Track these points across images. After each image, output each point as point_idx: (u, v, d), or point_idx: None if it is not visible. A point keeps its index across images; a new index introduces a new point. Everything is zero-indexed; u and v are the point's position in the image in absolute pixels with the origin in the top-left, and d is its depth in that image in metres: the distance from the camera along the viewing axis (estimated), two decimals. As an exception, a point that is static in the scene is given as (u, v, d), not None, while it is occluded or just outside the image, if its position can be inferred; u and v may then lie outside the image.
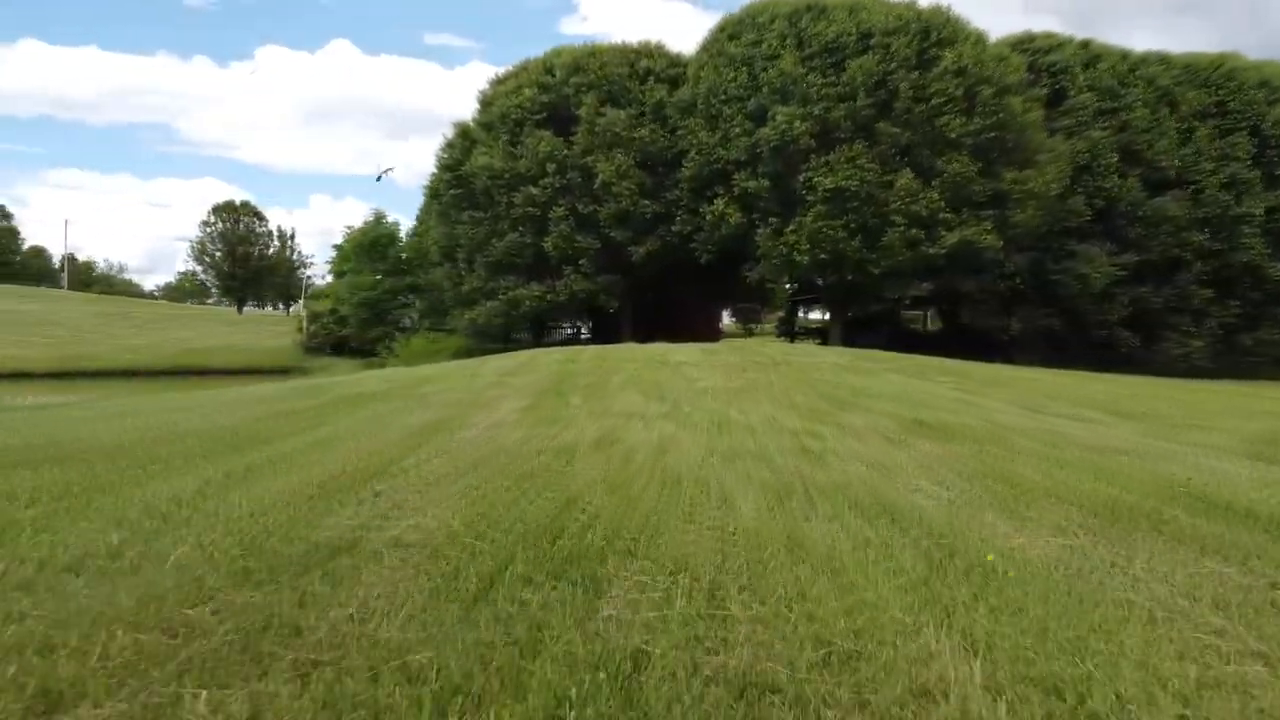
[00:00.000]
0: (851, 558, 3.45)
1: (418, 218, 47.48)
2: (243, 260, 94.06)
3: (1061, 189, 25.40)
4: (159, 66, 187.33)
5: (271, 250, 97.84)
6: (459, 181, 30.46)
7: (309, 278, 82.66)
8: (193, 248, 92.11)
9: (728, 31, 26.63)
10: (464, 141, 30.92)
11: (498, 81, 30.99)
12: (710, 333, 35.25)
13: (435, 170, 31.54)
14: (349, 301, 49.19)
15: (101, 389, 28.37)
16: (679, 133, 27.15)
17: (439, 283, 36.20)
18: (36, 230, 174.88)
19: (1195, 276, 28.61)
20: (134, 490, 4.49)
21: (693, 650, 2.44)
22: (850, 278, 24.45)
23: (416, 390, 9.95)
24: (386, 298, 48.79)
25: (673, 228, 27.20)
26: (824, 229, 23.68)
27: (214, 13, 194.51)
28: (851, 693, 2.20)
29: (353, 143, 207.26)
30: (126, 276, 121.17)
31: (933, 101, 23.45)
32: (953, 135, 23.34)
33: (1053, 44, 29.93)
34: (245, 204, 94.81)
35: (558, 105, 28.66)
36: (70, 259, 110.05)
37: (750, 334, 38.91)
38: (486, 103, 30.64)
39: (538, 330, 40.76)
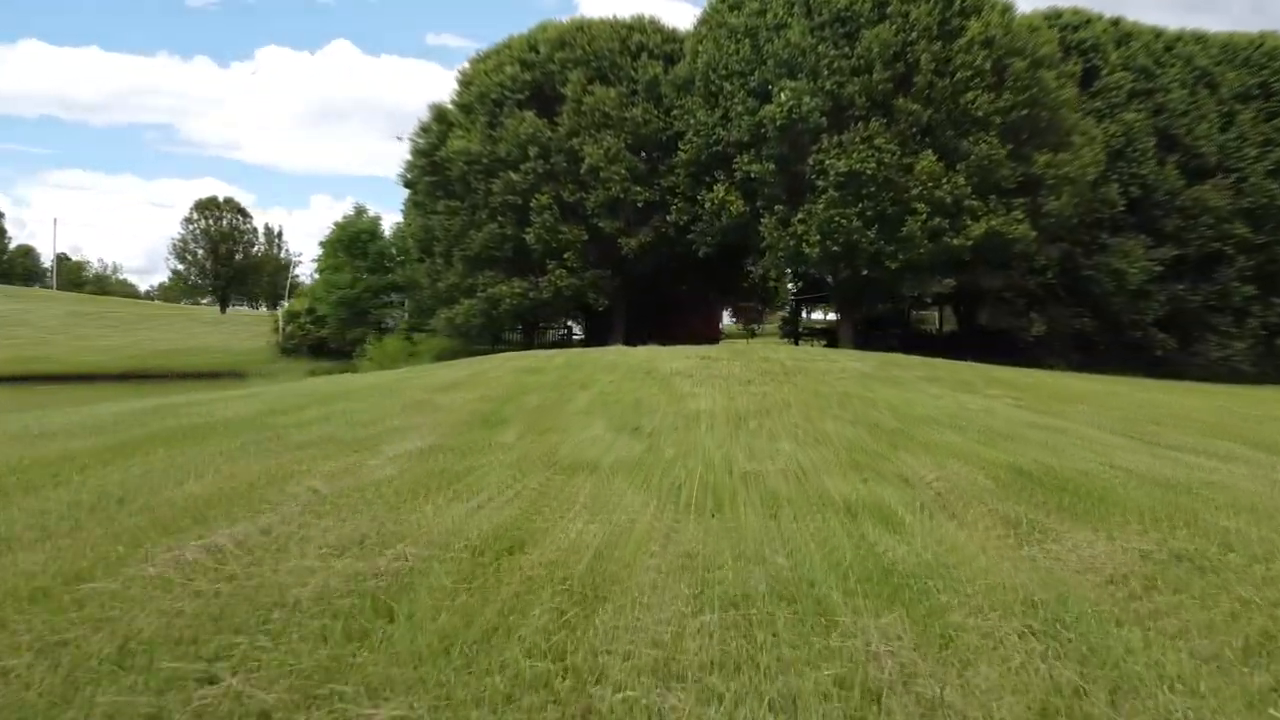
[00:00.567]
0: None
1: (403, 211, 44.97)
2: (226, 258, 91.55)
3: (1098, 174, 22.92)
4: (160, 67, 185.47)
5: (257, 248, 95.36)
6: (434, 168, 27.91)
7: (295, 276, 79.99)
8: (174, 246, 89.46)
9: (729, 1, 24.10)
10: (440, 125, 28.36)
11: (478, 59, 28.44)
12: (709, 334, 32.76)
13: (409, 157, 28.96)
14: (326, 301, 46.53)
15: (34, 395, 25.92)
16: (675, 113, 24.64)
17: (417, 279, 33.65)
18: (39, 230, 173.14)
19: (1237, 272, 26.30)
20: None
21: None
22: (865, 272, 21.94)
23: (296, 416, 7.27)
24: (366, 296, 46.09)
25: (668, 217, 24.68)
26: (836, 217, 21.18)
27: (214, 13, 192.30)
28: None
29: (354, 143, 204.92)
30: (122, 277, 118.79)
31: (957, 76, 20.97)
32: (980, 113, 20.86)
33: (1081, 20, 27.52)
34: (229, 200, 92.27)
35: (542, 84, 26.14)
36: (62, 259, 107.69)
37: (752, 335, 36.41)
38: (465, 82, 28.08)
39: (530, 330, 38.27)
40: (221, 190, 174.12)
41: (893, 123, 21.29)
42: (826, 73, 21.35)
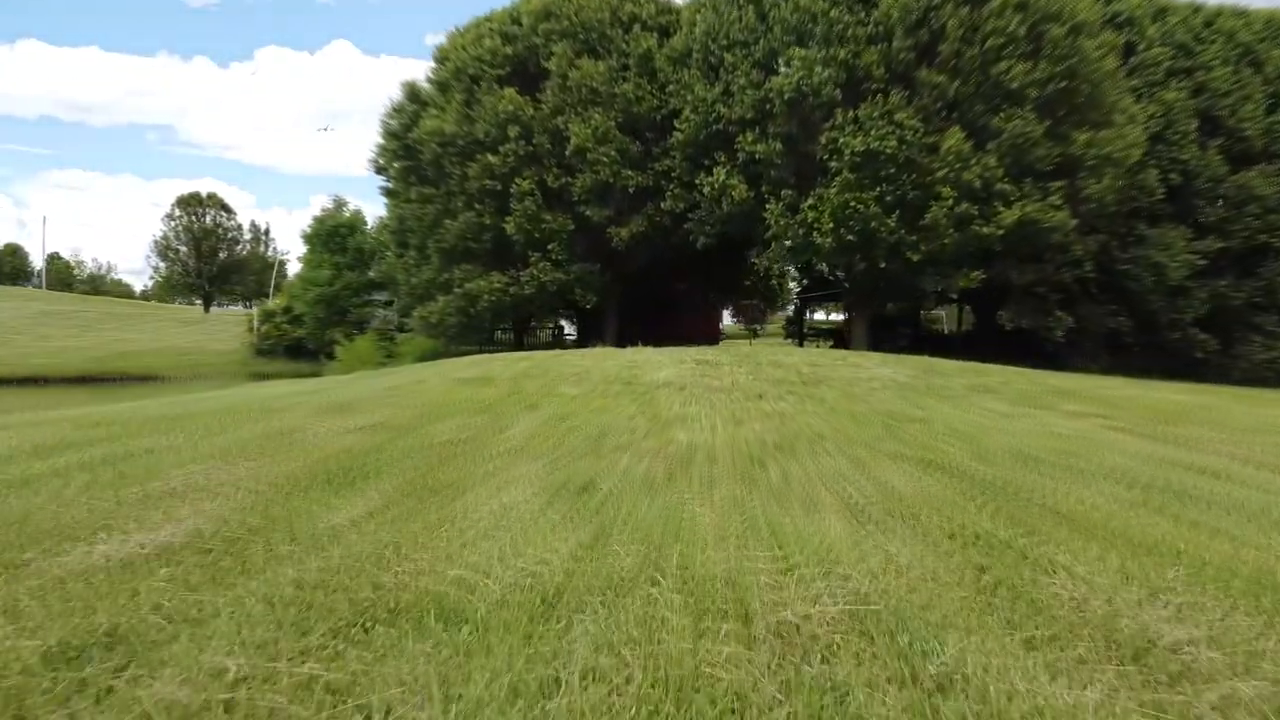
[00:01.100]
0: None
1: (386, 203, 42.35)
2: (209, 256, 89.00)
3: (1141, 156, 20.59)
4: (160, 67, 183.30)
5: (241, 246, 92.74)
6: (407, 152, 25.47)
7: (282, 273, 77.29)
8: (156, 244, 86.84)
9: (730, -37, 21.68)
10: (414, 105, 25.92)
11: (456, 34, 25.98)
12: (709, 334, 30.39)
13: (381, 140, 26.47)
14: (303, 298, 43.96)
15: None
16: (670, 89, 22.22)
17: (395, 274, 31.16)
18: (38, 230, 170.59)
19: (1286, 267, 24.02)
20: None
21: None
22: (884, 265, 19.54)
23: (46, 462, 4.74)
24: (346, 294, 43.51)
25: (662, 204, 22.26)
26: (851, 202, 18.80)
27: (214, 13, 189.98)
28: None
29: (354, 143, 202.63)
30: (118, 277, 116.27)
31: (988, 44, 18.60)
32: (1013, 85, 18.50)
33: (1116, -10, 25.19)
34: (212, 196, 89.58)
35: (525, 59, 23.71)
36: (54, 258, 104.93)
37: (754, 336, 34.04)
38: (441, 58, 25.62)
39: (522, 329, 35.79)
40: (222, 190, 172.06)
41: (915, 96, 18.92)
42: (840, 40, 18.98)
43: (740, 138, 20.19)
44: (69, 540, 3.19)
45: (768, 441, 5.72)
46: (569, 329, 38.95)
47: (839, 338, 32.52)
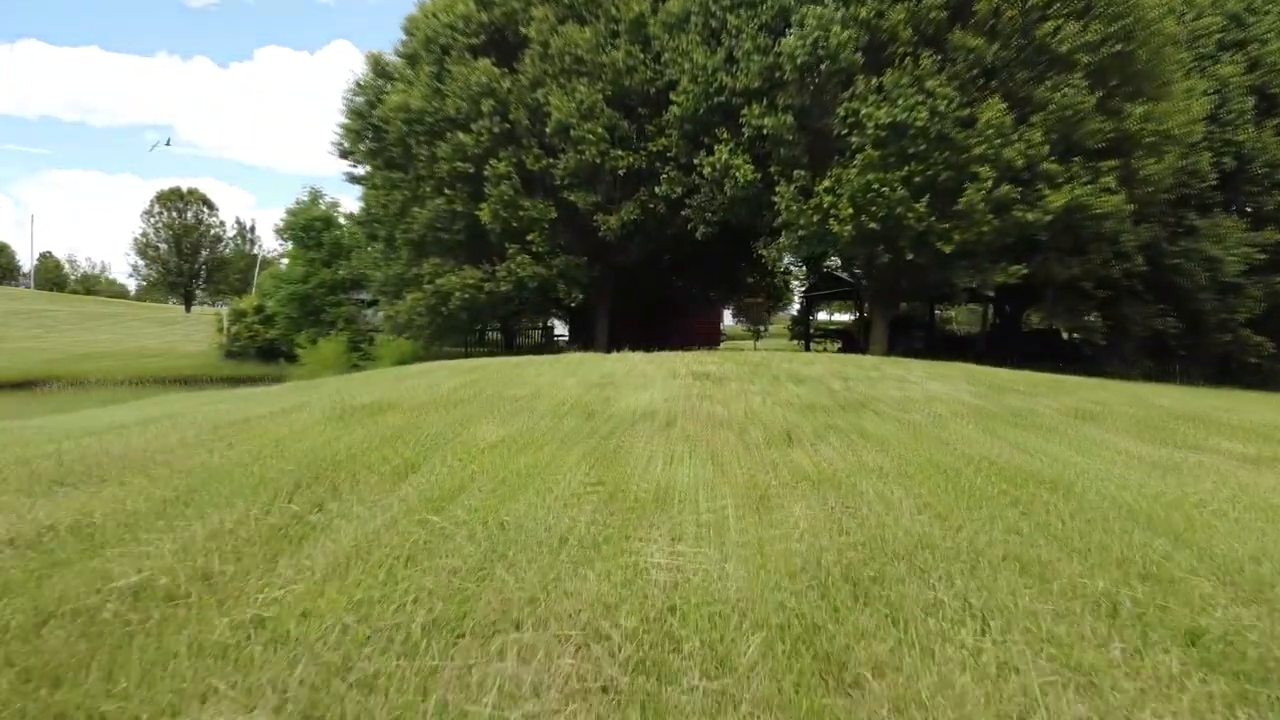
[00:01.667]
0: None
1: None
2: (190, 253, 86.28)
3: (1203, 134, 18.09)
4: (160, 67, 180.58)
5: (224, 243, 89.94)
6: (374, 133, 22.84)
7: (266, 269, 74.30)
8: (136, 241, 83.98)
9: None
10: (380, 81, 23.28)
11: (427, 2, 23.31)
12: (709, 336, 27.85)
13: (345, 120, 23.76)
14: (275, 297, 41.19)
15: None
16: (666, 57, 19.60)
17: (365, 269, 28.51)
18: (37, 230, 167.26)
19: (1350, 262, 21.55)
20: None
21: None
22: (910, 257, 16.96)
23: None
24: (321, 292, 40.72)
25: (657, 189, 19.65)
26: (875, 184, 16.24)
27: (214, 13, 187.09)
28: None
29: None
30: (112, 276, 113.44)
31: (1031, 1, 16.07)
32: (1061, 49, 15.97)
33: (1159, -45, 22.67)
34: (193, 191, 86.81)
35: (502, 27, 21.07)
36: (45, 257, 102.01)
37: (758, 337, 31.50)
38: (411, 29, 22.96)
39: (512, 328, 33.20)
40: (223, 190, 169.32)
41: (948, 62, 16.37)
42: (862, -3, 16.44)
43: (745, 111, 17.59)
44: None
45: (828, 563, 3.08)
46: (561, 329, 36.29)
47: (848, 339, 29.99)
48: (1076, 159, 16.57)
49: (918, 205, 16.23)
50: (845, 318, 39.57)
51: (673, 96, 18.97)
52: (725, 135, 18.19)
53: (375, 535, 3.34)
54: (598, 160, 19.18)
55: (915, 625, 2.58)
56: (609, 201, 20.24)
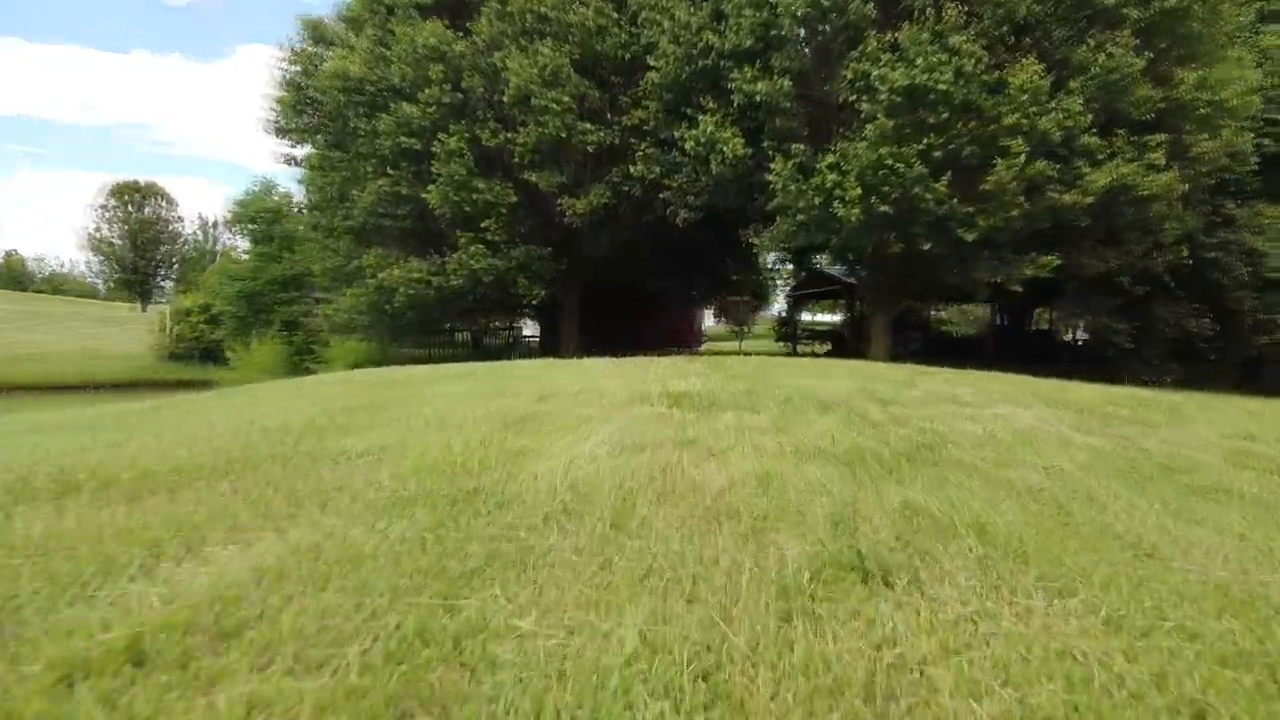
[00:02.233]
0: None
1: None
2: (146, 249, 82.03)
3: (1262, 106, 15.84)
4: (138, 64, 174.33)
5: (183, 240, 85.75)
6: (309, 106, 19.96)
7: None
8: (88, 236, 79.52)
9: None
10: (318, 48, 20.38)
11: (372, -41, 20.41)
12: (688, 337, 25.30)
13: (280, 93, 20.78)
14: (221, 294, 37.94)
15: None
16: (644, 17, 16.95)
17: (308, 262, 25.54)
18: (9, 230, 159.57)
19: (1398, 257, 19.52)
20: None
21: None
22: (926, 246, 14.45)
23: None
24: (272, 289, 37.47)
25: (632, 169, 16.97)
26: (888, 159, 13.72)
27: (193, 10, 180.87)
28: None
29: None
30: (81, 274, 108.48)
31: (1070, -54, 13.71)
32: (1106, 2, 13.59)
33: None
34: (150, 185, 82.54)
35: (455, -16, 18.28)
36: (10, 255, 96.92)
37: (740, 338, 28.98)
38: (353, -11, 20.05)
39: (479, 327, 30.25)
40: (204, 188, 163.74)
41: (974, 17, 13.92)
42: (872, -60, 13.94)
43: (735, 76, 14.98)
44: None
45: None
46: (530, 329, 33.36)
47: (838, 341, 27.60)
48: (1120, 132, 14.22)
49: (937, 185, 13.74)
50: (829, 318, 37.13)
51: (651, 60, 16.32)
52: (711, 105, 15.58)
53: None
54: (563, 135, 16.48)
55: None
56: (576, 183, 17.54)
